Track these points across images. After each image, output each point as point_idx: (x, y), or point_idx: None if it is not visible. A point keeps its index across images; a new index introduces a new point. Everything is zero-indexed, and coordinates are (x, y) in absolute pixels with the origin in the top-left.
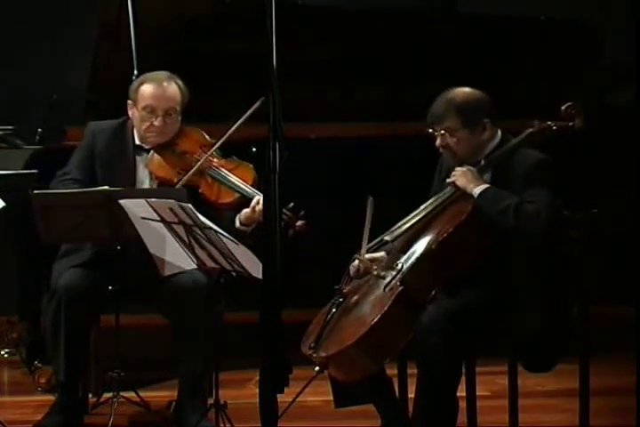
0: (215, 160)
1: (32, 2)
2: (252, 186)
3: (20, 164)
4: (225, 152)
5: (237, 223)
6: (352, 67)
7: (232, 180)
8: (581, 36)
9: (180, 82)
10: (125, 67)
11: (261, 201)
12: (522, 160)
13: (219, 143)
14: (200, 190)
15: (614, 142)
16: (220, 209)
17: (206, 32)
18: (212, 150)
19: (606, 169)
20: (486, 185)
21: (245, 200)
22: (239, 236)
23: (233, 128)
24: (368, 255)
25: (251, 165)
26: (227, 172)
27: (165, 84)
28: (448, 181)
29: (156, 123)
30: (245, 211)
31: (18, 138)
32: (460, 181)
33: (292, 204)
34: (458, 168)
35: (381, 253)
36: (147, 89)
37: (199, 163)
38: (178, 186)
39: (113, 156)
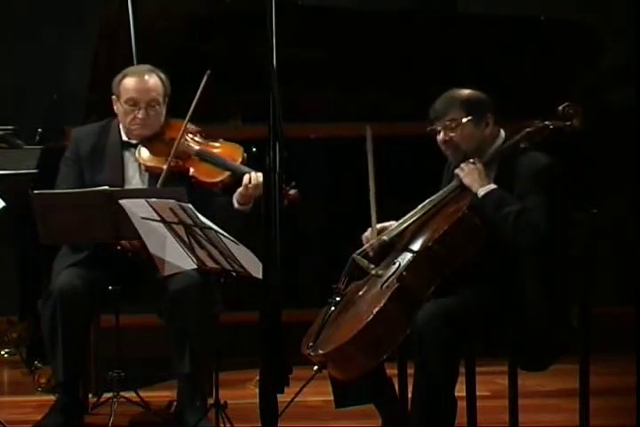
0: (202, 141)
1: (32, 2)
2: (241, 164)
3: (20, 164)
4: None
5: (235, 204)
6: (352, 67)
7: (220, 158)
8: (581, 36)
9: (161, 74)
10: (125, 66)
11: (254, 176)
12: (528, 164)
13: (188, 116)
14: (190, 173)
15: (614, 142)
16: (214, 192)
17: (206, 32)
18: (185, 122)
19: (606, 169)
20: (492, 186)
21: (237, 179)
22: (240, 216)
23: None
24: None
25: (238, 145)
26: (214, 151)
27: (146, 76)
28: (456, 171)
29: (139, 115)
30: (239, 190)
31: (18, 138)
32: (467, 179)
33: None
34: (468, 164)
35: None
36: (128, 82)
37: (178, 137)
38: (165, 167)
39: (99, 155)
